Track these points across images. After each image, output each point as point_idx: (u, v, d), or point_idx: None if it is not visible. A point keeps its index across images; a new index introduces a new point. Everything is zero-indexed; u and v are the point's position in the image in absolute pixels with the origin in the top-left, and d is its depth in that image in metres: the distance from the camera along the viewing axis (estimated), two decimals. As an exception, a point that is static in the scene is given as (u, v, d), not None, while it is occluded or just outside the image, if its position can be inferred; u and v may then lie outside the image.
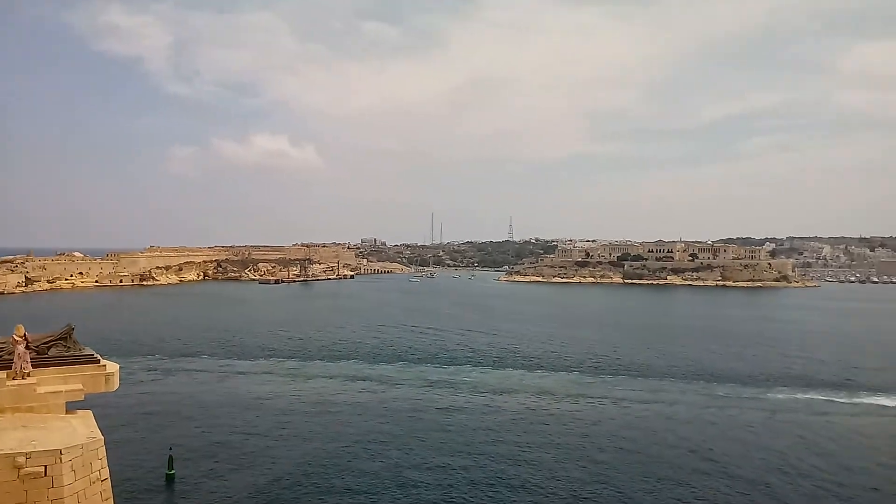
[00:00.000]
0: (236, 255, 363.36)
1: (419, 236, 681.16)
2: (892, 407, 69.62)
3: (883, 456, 53.94)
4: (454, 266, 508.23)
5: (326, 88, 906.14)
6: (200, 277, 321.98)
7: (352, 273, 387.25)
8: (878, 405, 70.54)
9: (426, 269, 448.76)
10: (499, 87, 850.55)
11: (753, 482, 47.77)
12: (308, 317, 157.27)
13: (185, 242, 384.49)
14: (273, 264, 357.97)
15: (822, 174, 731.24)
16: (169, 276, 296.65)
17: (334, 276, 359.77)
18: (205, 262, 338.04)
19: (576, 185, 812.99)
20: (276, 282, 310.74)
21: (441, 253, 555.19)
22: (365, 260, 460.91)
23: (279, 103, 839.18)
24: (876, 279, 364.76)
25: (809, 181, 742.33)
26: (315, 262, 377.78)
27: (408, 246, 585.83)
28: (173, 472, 46.61)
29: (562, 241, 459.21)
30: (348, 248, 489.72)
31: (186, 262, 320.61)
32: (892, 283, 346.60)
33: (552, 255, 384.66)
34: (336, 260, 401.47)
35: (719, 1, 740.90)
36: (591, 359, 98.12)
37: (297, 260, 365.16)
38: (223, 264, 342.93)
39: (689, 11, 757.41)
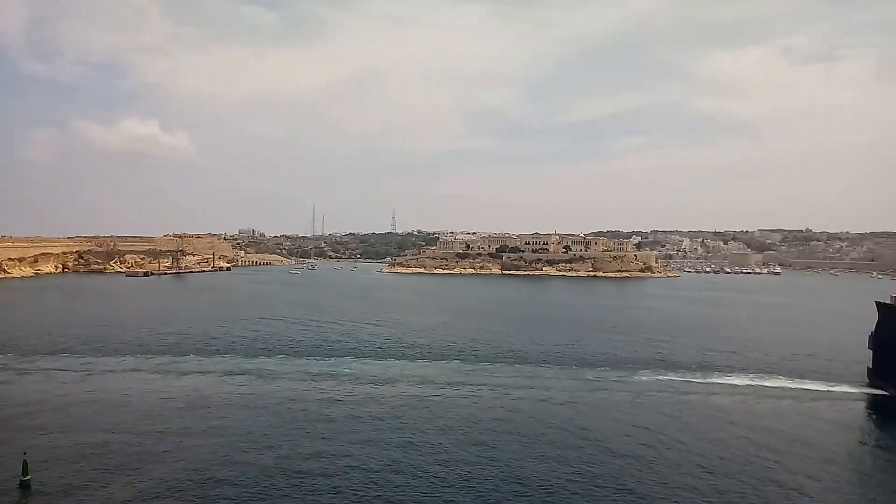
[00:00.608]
0: (100, 246, 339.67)
1: (300, 227, 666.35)
2: (742, 385, 76.41)
3: (736, 428, 59.38)
4: (336, 258, 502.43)
5: (203, 73, 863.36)
6: (59, 270, 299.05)
7: (228, 265, 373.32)
8: (730, 384, 77.10)
9: (307, 260, 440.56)
10: (381, 80, 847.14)
11: (625, 455, 51.41)
12: (181, 311, 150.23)
13: (43, 232, 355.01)
14: (142, 256, 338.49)
15: (681, 173, 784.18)
16: (23, 268, 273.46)
17: (209, 268, 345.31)
18: (64, 253, 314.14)
19: (457, 179, 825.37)
20: (146, 274, 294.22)
21: (323, 244, 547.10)
22: (243, 251, 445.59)
23: (151, 87, 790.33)
24: (728, 270, 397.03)
25: (670, 179, 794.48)
26: (189, 254, 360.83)
27: (288, 237, 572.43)
28: (28, 477, 43.39)
29: (444, 234, 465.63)
30: (225, 238, 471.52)
31: (43, 254, 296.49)
32: (742, 273, 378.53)
33: (434, 247, 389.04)
34: (212, 251, 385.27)
35: (593, 4, 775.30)
36: (471, 347, 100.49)
37: (169, 251, 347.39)
38: (85, 256, 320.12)
39: (567, 14, 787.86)
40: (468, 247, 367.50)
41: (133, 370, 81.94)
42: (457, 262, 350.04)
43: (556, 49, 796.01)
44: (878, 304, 78.93)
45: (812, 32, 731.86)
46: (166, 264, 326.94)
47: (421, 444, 53.68)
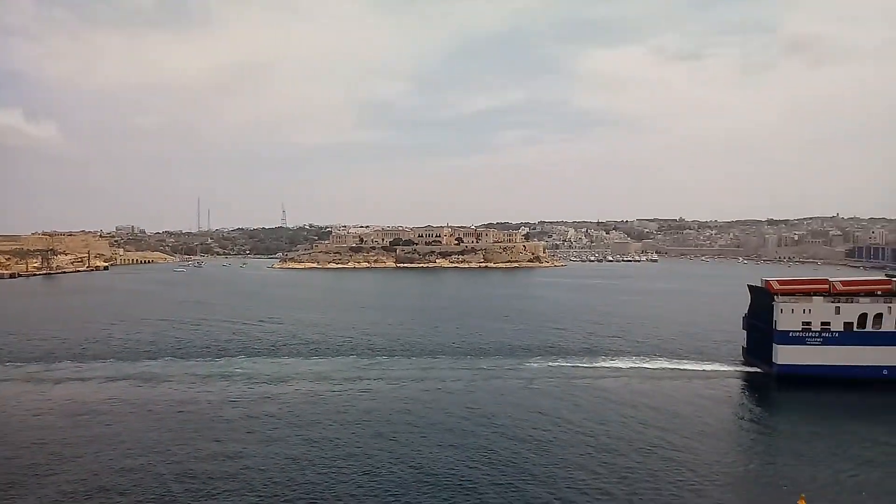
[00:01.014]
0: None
1: (185, 223, 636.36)
2: (626, 368, 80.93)
3: (622, 408, 63.10)
4: (224, 254, 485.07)
5: (73, 59, 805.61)
6: None
7: (106, 264, 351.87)
8: (614, 367, 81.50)
9: (193, 257, 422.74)
10: (268, 70, 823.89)
11: (522, 438, 53.46)
12: (53, 314, 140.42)
13: None
14: (7, 256, 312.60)
15: (566, 165, 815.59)
16: None
17: (85, 268, 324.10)
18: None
19: (349, 172, 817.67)
20: (12, 276, 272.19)
21: (209, 240, 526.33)
22: (122, 249, 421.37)
23: (12, 73, 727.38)
24: (611, 258, 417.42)
25: (556, 171, 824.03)
26: (61, 253, 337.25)
27: (171, 234, 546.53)
28: None
29: (336, 228, 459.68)
30: (101, 236, 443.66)
31: None
32: (623, 261, 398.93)
33: (327, 242, 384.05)
34: (86, 250, 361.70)
35: (471, 1, 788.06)
36: (367, 342, 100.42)
37: (38, 251, 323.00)
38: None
39: (452, 8, 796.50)
40: (362, 240, 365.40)
41: (1, 380, 76.10)
42: (350, 256, 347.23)
43: (444, 44, 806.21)
44: (751, 288, 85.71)
45: (681, 32, 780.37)
46: (35, 265, 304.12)
47: (320, 439, 53.39)
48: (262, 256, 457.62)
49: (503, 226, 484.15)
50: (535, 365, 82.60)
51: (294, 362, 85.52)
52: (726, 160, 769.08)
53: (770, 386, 73.19)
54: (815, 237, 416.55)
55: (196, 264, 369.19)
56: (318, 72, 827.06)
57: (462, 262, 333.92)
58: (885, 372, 71.69)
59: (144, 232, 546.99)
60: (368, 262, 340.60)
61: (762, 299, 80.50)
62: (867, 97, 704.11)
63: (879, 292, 76.76)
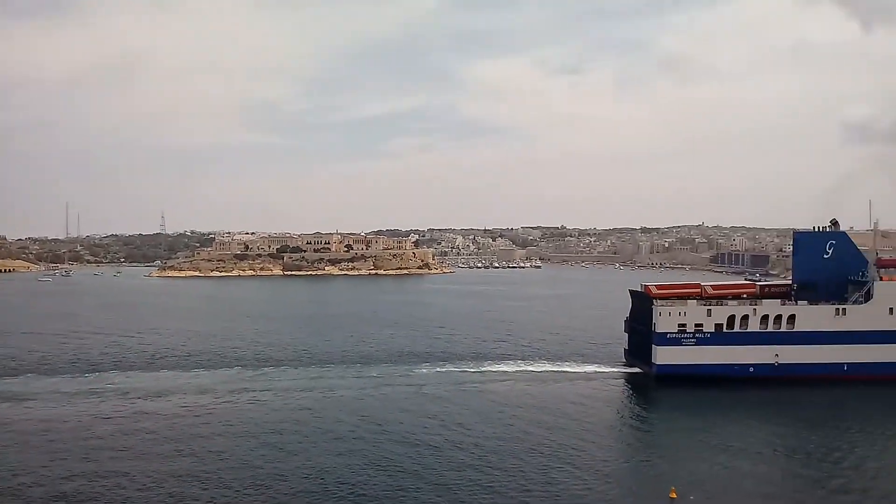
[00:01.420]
0: None
1: (51, 229, 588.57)
2: (513, 372, 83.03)
3: (509, 409, 64.89)
4: (96, 262, 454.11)
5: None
6: None
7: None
8: (501, 371, 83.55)
9: (60, 266, 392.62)
10: (142, 66, 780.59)
11: (414, 444, 53.76)
12: None
13: None
14: None
15: (455, 173, 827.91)
16: None
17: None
18: None
19: (233, 176, 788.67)
20: None
21: (79, 248, 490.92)
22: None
23: None
24: (497, 265, 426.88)
25: (445, 179, 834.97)
26: None
27: (36, 240, 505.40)
28: None
29: (220, 234, 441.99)
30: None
31: None
32: (509, 267, 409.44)
33: (210, 249, 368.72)
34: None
35: (361, 5, 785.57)
36: (253, 352, 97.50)
37: None
38: None
39: (338, 12, 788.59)
40: (247, 247, 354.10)
41: None
42: (235, 263, 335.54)
43: (336, 48, 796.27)
44: (632, 293, 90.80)
45: (563, 46, 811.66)
46: None
47: (204, 453, 51.31)
48: (139, 264, 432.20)
49: (393, 233, 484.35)
50: (425, 371, 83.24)
51: (173, 375, 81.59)
52: (604, 170, 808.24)
53: (650, 385, 77.68)
54: (683, 244, 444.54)
55: (64, 273, 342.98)
56: (199, 69, 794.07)
57: (352, 269, 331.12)
58: (751, 370, 77.62)
59: (5, 238, 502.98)
60: (254, 269, 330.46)
61: (642, 303, 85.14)
62: (727, 113, 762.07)
63: (745, 295, 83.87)
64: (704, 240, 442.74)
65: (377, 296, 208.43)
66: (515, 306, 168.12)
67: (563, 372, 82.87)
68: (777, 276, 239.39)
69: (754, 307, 79.16)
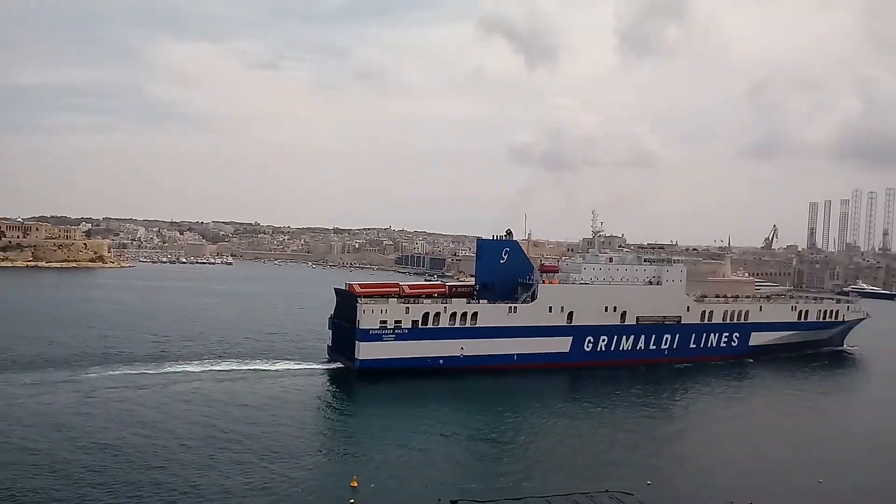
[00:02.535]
0: None
1: None
2: (198, 372, 77.46)
3: (194, 413, 60.09)
4: None
5: None
6: None
7: None
8: (186, 371, 77.31)
9: None
10: None
11: (79, 465, 45.98)
12: None
13: None
14: None
15: (138, 159, 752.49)
16: None
17: None
18: None
19: None
20: None
21: None
22: None
23: None
24: (185, 260, 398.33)
25: (126, 164, 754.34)
26: None
27: None
28: None
29: None
30: None
31: None
32: (198, 263, 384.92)
33: None
34: None
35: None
36: None
37: None
38: None
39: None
40: None
41: None
42: None
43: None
44: (337, 290, 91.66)
45: (262, 41, 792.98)
46: None
47: None
48: None
49: (59, 220, 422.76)
50: (95, 375, 73.57)
51: None
52: (300, 170, 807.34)
53: (352, 379, 79.12)
54: (371, 246, 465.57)
55: None
56: None
57: (4, 259, 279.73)
58: (441, 362, 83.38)
59: None
60: None
61: (346, 301, 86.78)
62: (417, 127, 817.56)
63: (437, 294, 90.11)
64: (391, 242, 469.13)
65: (37, 291, 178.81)
66: (206, 303, 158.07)
67: (263, 370, 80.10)
68: (451, 277, 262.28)
69: (445, 305, 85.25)
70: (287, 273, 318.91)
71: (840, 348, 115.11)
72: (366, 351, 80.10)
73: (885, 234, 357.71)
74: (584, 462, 52.94)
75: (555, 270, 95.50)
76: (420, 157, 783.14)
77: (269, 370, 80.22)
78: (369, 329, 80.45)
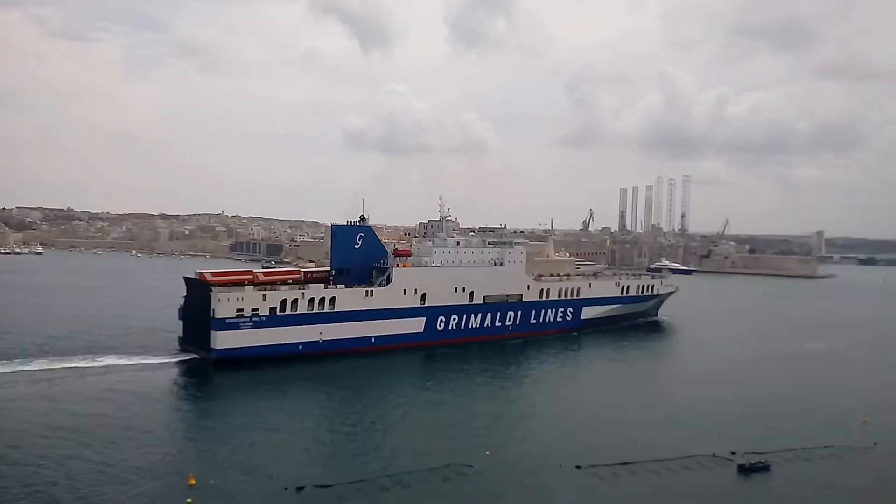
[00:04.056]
0: None
1: None
2: (11, 373, 71.59)
3: (40, 414, 57.04)
4: None
5: None
6: None
7: None
8: (24, 371, 72.42)
9: None
10: None
11: None
12: None
13: None
14: None
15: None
16: None
17: None
18: None
19: None
20: None
21: None
22: None
23: None
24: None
25: None
26: None
27: None
28: None
29: None
30: None
31: None
32: (2, 253, 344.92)
33: None
34: None
35: None
36: None
37: None
38: None
39: None
40: None
41: None
42: None
43: None
44: (187, 280, 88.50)
45: (65, 7, 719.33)
46: None
47: None
48: None
49: None
50: None
51: None
52: (116, 151, 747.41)
53: (209, 370, 77.26)
54: (203, 232, 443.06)
55: None
56: None
57: None
58: (300, 347, 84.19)
59: None
60: None
61: (198, 290, 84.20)
62: (248, 108, 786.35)
63: (292, 280, 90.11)
64: (224, 228, 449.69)
65: None
66: (20, 299, 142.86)
67: (111, 365, 76.35)
68: (290, 263, 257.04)
69: (303, 291, 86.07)
70: (109, 263, 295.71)
71: (655, 318, 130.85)
72: (222, 340, 79.01)
73: (683, 216, 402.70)
74: (428, 438, 55.43)
75: (408, 254, 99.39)
76: (252, 139, 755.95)
77: (111, 365, 75.99)
78: (225, 318, 79.33)
